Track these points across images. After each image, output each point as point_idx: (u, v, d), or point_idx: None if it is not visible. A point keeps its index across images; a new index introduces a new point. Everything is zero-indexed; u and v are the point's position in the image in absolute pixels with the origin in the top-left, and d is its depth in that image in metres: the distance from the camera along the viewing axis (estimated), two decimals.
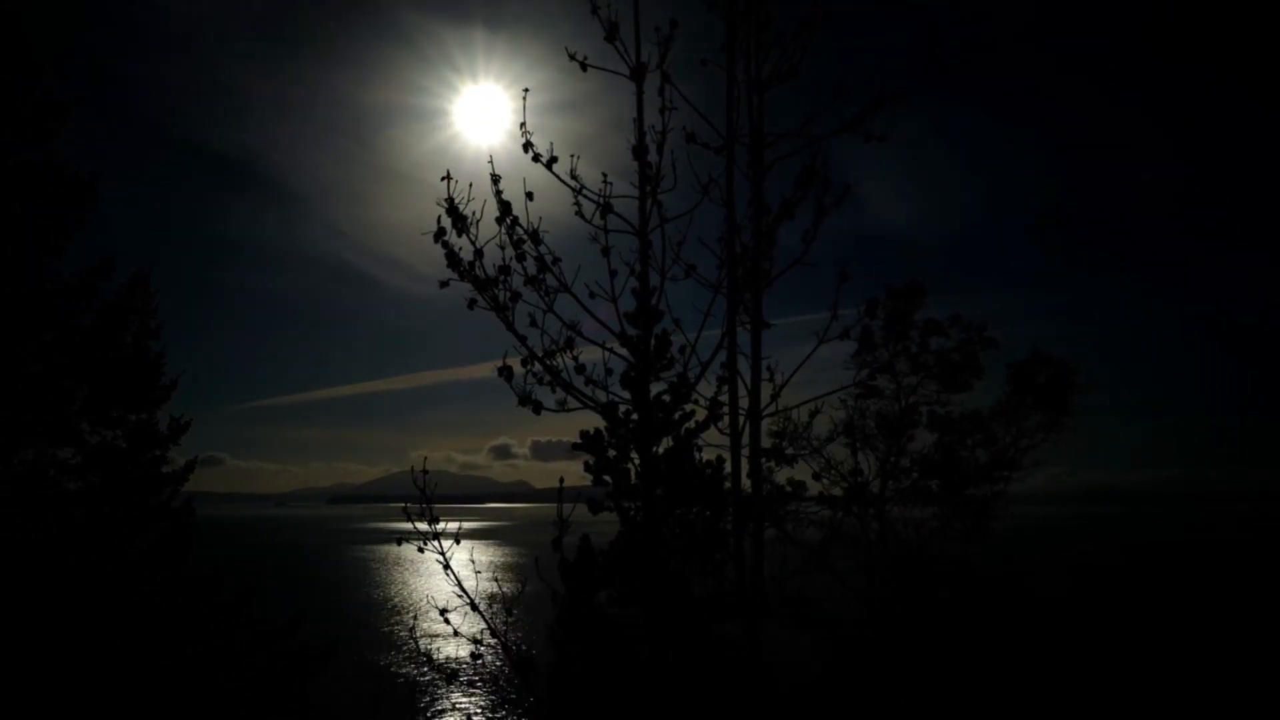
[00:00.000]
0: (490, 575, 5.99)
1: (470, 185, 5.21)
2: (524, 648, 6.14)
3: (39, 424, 13.78)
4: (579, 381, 5.41)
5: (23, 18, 13.92)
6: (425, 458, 5.46)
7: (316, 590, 70.24)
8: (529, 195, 5.23)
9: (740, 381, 5.72)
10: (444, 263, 5.26)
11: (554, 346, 5.33)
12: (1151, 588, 68.85)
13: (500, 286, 5.28)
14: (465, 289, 5.28)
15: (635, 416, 5.55)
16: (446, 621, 5.76)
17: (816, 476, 20.84)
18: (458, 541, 5.64)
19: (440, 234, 5.22)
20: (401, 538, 5.58)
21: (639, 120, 5.35)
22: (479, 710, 31.79)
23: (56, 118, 14.12)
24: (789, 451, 20.23)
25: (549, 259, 5.35)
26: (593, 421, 5.84)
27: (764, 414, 5.74)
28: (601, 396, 5.49)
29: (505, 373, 5.28)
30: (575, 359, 5.37)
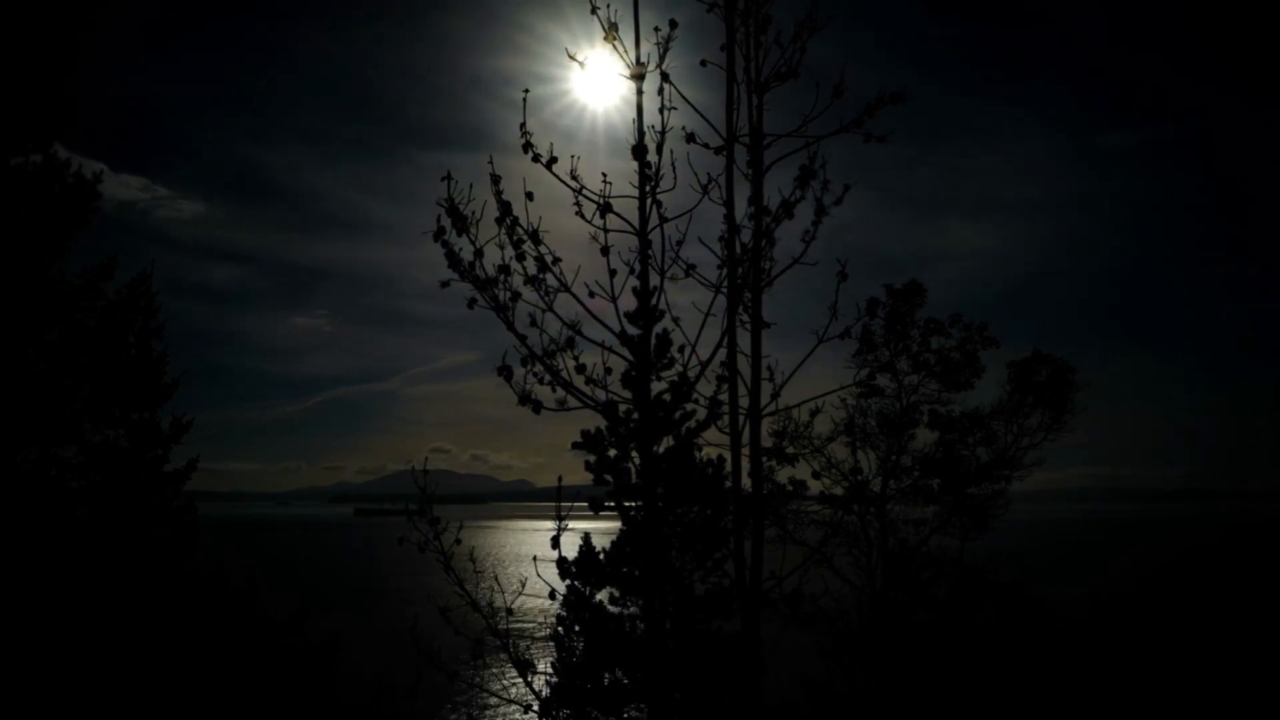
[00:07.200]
0: (490, 574, 6.03)
1: (471, 186, 5.22)
2: (524, 647, 6.18)
3: (42, 423, 13.80)
4: (579, 381, 5.43)
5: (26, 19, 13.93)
6: (426, 458, 5.49)
7: (318, 587, 70.37)
8: (529, 195, 5.24)
9: (740, 381, 5.74)
10: (444, 262, 5.28)
11: (554, 346, 5.34)
12: (1152, 587, 68.90)
13: (500, 286, 5.30)
14: (466, 289, 5.30)
15: (635, 416, 5.56)
16: (447, 620, 5.80)
17: (817, 475, 20.86)
18: (458, 541, 5.67)
19: (440, 234, 5.23)
20: (402, 537, 5.61)
21: (638, 120, 5.36)
22: (480, 708, 31.83)
23: (59, 118, 14.15)
24: (789, 451, 20.21)
25: (549, 259, 5.36)
26: (593, 421, 5.86)
27: (764, 413, 5.75)
28: (601, 396, 5.51)
29: (505, 372, 5.30)
30: (575, 358, 5.38)
